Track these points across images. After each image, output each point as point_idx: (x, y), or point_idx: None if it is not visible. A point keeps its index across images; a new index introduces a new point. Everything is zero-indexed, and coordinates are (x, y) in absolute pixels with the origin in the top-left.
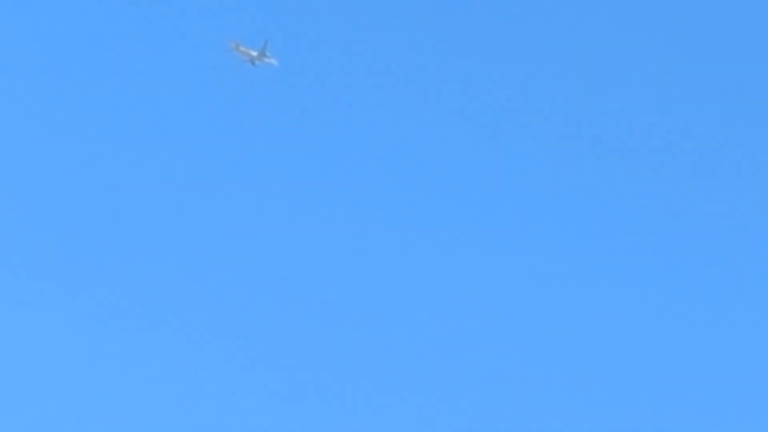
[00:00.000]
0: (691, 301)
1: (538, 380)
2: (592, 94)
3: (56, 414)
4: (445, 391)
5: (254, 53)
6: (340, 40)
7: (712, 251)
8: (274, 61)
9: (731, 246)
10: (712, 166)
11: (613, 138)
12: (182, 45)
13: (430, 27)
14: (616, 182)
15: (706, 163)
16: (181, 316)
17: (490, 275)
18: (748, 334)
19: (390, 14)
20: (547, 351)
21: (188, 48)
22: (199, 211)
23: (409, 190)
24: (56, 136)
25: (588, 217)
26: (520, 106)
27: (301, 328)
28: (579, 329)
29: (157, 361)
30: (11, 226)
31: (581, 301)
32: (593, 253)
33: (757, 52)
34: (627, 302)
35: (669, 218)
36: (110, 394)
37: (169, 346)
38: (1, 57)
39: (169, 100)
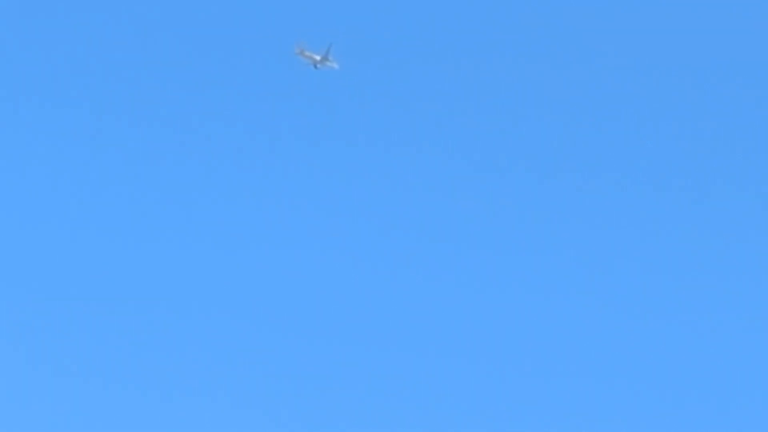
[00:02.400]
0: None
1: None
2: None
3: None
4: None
5: (318, 57)
6: (398, 44)
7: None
8: (335, 65)
9: (729, 250)
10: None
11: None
12: (251, 49)
13: (490, 32)
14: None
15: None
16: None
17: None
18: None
19: (452, 21)
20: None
21: (256, 51)
22: (263, 208)
23: (467, 189)
24: (128, 137)
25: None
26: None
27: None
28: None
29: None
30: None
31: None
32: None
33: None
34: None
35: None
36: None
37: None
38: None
39: (238, 99)
